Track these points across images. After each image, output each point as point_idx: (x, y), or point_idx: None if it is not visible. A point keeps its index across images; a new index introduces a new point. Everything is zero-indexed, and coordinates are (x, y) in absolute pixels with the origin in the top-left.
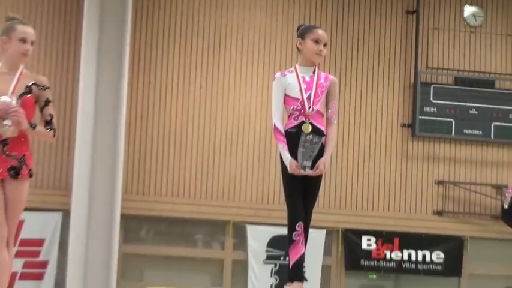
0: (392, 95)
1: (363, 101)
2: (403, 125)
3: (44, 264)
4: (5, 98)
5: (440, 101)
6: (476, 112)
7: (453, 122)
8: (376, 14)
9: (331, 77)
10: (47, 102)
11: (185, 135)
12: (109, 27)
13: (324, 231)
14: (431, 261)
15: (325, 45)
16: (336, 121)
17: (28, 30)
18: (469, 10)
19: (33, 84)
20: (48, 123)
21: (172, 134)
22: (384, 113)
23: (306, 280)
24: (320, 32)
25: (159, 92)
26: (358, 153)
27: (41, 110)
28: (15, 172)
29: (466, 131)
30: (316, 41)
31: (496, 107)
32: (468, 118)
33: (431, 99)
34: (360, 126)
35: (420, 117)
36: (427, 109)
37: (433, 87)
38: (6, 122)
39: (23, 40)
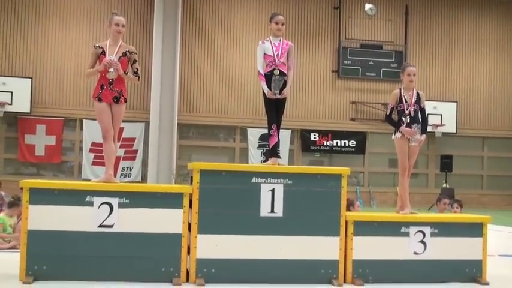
0: (326, 54)
1: (310, 58)
2: (333, 71)
3: (135, 152)
4: (111, 57)
5: (352, 57)
6: (372, 63)
7: (360, 69)
8: (316, 8)
9: (290, 43)
10: (135, 61)
11: (213, 76)
12: (168, 17)
13: (290, 130)
14: (349, 146)
15: (282, 24)
16: (293, 67)
17: (120, 18)
18: (368, 6)
19: (127, 51)
20: (135, 73)
21: (206, 76)
22: (322, 64)
23: (280, 157)
24: (280, 17)
25: (197, 53)
26: (308, 86)
27: (132, 65)
28: (116, 100)
29: (367, 73)
30: (276, 23)
31: (383, 60)
32: (368, 66)
33: (348, 56)
34: (308, 71)
35: (342, 66)
36: (346, 62)
37: (349, 49)
38: (111, 69)
39: (117, 24)
